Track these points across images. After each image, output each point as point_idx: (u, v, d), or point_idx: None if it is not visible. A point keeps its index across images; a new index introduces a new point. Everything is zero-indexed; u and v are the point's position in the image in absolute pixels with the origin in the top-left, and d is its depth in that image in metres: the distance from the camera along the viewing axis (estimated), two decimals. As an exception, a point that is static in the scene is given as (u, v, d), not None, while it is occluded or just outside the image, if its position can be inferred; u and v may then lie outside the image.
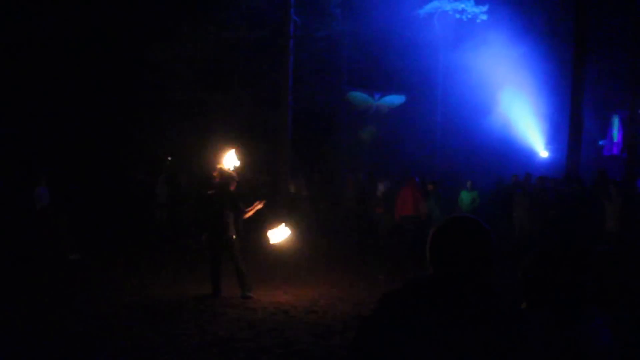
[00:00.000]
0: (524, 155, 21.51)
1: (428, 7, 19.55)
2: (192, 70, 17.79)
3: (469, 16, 19.42)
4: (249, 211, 8.32)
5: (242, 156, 8.61)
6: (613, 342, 2.13)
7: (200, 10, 17.23)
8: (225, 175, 8.25)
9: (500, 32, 19.39)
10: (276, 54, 17.06)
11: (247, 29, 16.95)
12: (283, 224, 8.56)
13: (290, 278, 9.55)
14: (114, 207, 15.47)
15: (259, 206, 8.35)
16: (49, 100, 17.32)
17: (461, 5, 19.34)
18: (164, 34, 17.01)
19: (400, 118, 22.30)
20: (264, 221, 10.97)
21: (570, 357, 2.05)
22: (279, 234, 8.49)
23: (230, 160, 8.39)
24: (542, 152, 22.18)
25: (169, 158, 19.26)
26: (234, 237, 8.19)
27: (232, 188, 8.24)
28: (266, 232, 8.63)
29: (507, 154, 20.95)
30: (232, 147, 8.51)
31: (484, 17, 19.36)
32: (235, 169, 8.41)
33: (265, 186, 15.16)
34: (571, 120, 15.84)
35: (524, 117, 21.51)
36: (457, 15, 19.54)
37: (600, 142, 21.14)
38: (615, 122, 20.97)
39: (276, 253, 10.19)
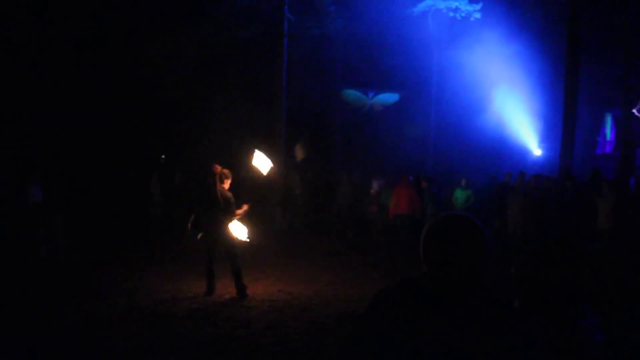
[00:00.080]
0: (518, 154, 21.60)
1: (422, 6, 19.57)
2: (186, 69, 17.76)
3: (463, 14, 19.46)
4: (238, 214, 8.30)
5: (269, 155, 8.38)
6: (606, 340, 2.14)
7: (194, 9, 17.18)
8: (219, 174, 8.23)
9: (494, 31, 19.44)
10: (270, 52, 17.05)
11: (241, 27, 16.91)
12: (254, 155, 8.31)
13: (285, 276, 9.55)
14: (108, 206, 15.42)
15: (245, 209, 8.34)
16: (44, 98, 17.24)
17: (455, 4, 19.37)
18: (158, 32, 16.95)
19: (394, 116, 22.34)
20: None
21: (564, 356, 2.06)
22: (264, 163, 8.29)
23: (261, 161, 8.25)
24: (536, 150, 22.27)
25: (163, 156, 19.22)
26: (229, 235, 8.17)
27: (226, 187, 8.22)
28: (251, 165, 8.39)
29: (501, 152, 21.04)
30: (256, 148, 8.34)
31: (478, 15, 19.40)
32: (269, 169, 8.29)
33: (257, 183, 15.12)
34: (564, 118, 15.91)
35: (517, 116, 21.58)
36: (451, 14, 19.57)
37: (599, 139, 21.22)
38: (608, 120, 21.09)
39: (272, 251, 10.19)
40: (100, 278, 9.28)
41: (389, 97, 22.73)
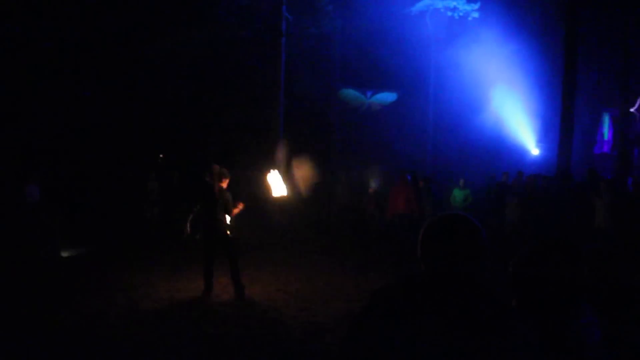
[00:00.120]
0: (516, 153, 21.63)
1: (420, 5, 19.59)
2: (185, 68, 17.74)
3: (461, 14, 19.48)
4: (233, 212, 8.31)
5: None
6: (603, 339, 2.15)
7: (193, 9, 17.16)
8: (217, 173, 8.22)
9: (492, 30, 19.47)
10: (268, 52, 17.04)
11: (239, 26, 16.90)
12: (268, 176, 8.45)
13: (283, 275, 9.55)
14: (106, 205, 15.41)
15: (240, 208, 8.35)
16: (42, 97, 17.22)
17: (453, 3, 19.39)
18: (157, 32, 16.94)
19: (392, 116, 22.34)
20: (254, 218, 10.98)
21: (561, 355, 2.07)
22: (277, 184, 8.42)
23: (275, 183, 8.36)
24: (534, 149, 22.29)
25: (161, 156, 19.20)
26: (229, 234, 8.18)
27: (224, 185, 8.22)
28: (267, 185, 8.52)
29: (499, 151, 21.06)
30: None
31: (476, 14, 19.42)
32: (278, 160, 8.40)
33: (256, 183, 15.12)
34: (562, 118, 15.92)
35: (515, 115, 21.60)
36: (449, 13, 19.60)
37: (596, 139, 21.24)
38: (606, 120, 21.11)
39: (269, 250, 10.19)
40: (98, 278, 9.27)
41: (387, 97, 22.73)
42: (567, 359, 2.06)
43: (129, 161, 17.80)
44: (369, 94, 22.79)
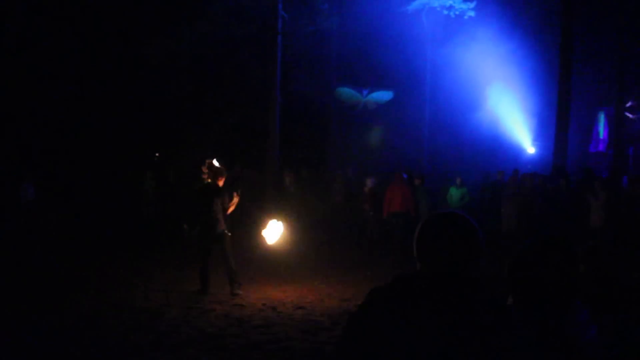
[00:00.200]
0: (512, 152, 21.67)
1: (416, 4, 19.57)
2: (181, 67, 17.70)
3: (457, 12, 19.48)
4: (230, 207, 8.31)
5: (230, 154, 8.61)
6: (598, 337, 2.15)
7: (188, 7, 17.12)
8: (214, 171, 8.22)
9: (488, 29, 19.48)
10: (264, 50, 17.01)
11: (235, 25, 16.86)
12: (272, 220, 8.56)
13: (279, 274, 9.55)
14: (102, 204, 15.38)
15: (236, 199, 8.36)
16: (37, 96, 17.17)
17: (449, 2, 19.38)
18: (152, 31, 16.89)
19: (388, 114, 22.33)
20: (252, 217, 10.96)
21: (556, 352, 2.07)
22: (274, 232, 8.51)
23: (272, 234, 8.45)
24: (530, 148, 22.33)
25: (157, 154, 19.17)
26: (226, 232, 8.18)
27: (220, 183, 8.22)
28: (260, 234, 8.66)
29: (495, 150, 21.08)
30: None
31: (472, 13, 19.42)
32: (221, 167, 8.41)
33: (252, 181, 15.12)
34: (558, 116, 15.96)
35: (511, 114, 21.64)
36: (445, 12, 19.59)
37: (592, 137, 21.31)
38: (601, 118, 21.17)
39: (267, 250, 10.17)
40: (94, 276, 9.24)
41: (383, 95, 22.72)
42: (563, 357, 2.07)
43: (125, 160, 17.76)
44: (365, 92, 22.78)
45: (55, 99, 17.37)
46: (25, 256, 10.53)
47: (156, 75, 17.43)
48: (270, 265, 10.19)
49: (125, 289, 8.41)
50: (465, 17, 19.57)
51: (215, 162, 8.29)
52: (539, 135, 21.99)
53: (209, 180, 8.23)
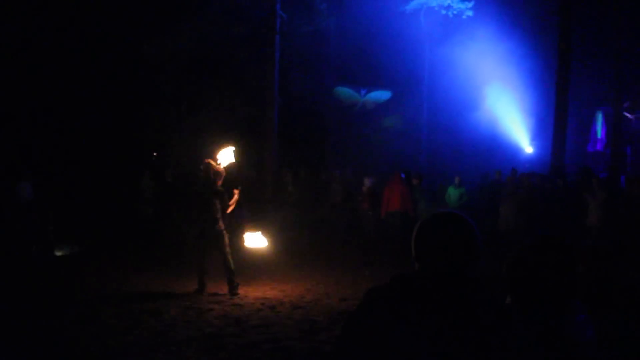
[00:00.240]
0: (510, 151, 21.69)
1: (414, 3, 19.60)
2: (178, 67, 17.67)
3: (455, 12, 19.50)
4: (230, 205, 8.29)
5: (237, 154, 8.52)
6: (596, 336, 2.15)
7: (186, 6, 17.09)
8: (212, 170, 8.21)
9: (486, 29, 19.51)
10: (262, 50, 16.99)
11: (232, 24, 16.85)
12: (260, 233, 8.56)
13: (277, 274, 9.55)
14: (99, 203, 15.34)
15: (236, 196, 8.34)
16: (34, 95, 17.13)
17: (447, 2, 19.41)
18: (149, 30, 16.87)
19: (386, 114, 22.35)
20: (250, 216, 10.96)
21: (555, 352, 2.07)
22: (255, 241, 8.52)
23: (226, 156, 8.32)
24: (528, 147, 22.36)
25: (155, 153, 19.15)
26: (224, 232, 8.17)
27: (218, 183, 8.21)
28: (244, 234, 8.66)
29: (493, 149, 21.10)
30: (229, 145, 8.42)
31: (470, 13, 19.45)
32: (228, 165, 8.37)
33: (250, 181, 15.10)
34: (556, 116, 15.98)
35: (509, 113, 21.66)
36: (443, 11, 19.61)
37: (590, 137, 21.33)
38: (599, 118, 21.19)
39: (263, 248, 10.16)
40: (92, 276, 9.23)
41: (382, 95, 22.74)
42: (561, 357, 2.07)
43: (123, 159, 17.73)
44: (363, 92, 22.80)
45: (53, 98, 17.33)
46: (23, 256, 10.51)
47: (154, 75, 17.40)
48: (268, 265, 10.19)
49: (123, 288, 8.39)
50: (464, 16, 19.60)
51: (228, 157, 8.26)
52: (537, 135, 22.02)
53: (207, 181, 8.22)
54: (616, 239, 10.03)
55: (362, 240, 13.27)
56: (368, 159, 20.08)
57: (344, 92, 22.67)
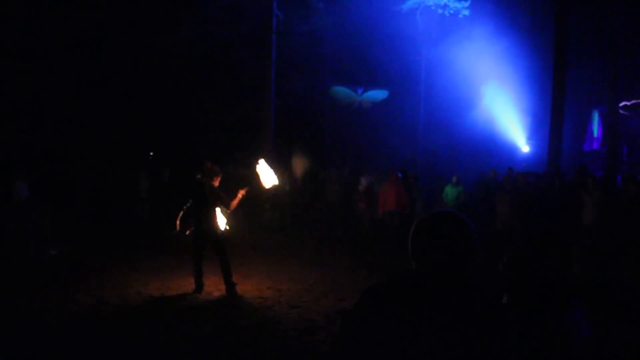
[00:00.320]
0: (507, 150, 21.73)
1: (411, 3, 19.61)
2: (175, 66, 17.65)
3: (452, 11, 19.52)
4: (233, 203, 8.27)
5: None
6: (593, 335, 2.15)
7: (182, 6, 17.07)
8: (209, 171, 8.20)
9: (483, 28, 19.53)
10: (259, 49, 16.99)
11: (229, 24, 16.83)
12: (257, 167, 8.38)
13: (274, 273, 9.54)
14: (96, 203, 15.32)
15: (242, 194, 8.30)
16: (30, 95, 17.09)
17: (444, 1, 19.42)
18: (146, 30, 16.83)
19: (383, 113, 22.37)
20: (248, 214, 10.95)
21: (551, 350, 2.07)
22: (266, 174, 8.32)
23: (268, 178, 8.27)
24: (524, 147, 22.40)
25: (151, 153, 19.12)
26: (220, 232, 8.16)
27: (215, 183, 8.20)
28: (260, 182, 8.44)
29: (490, 148, 21.13)
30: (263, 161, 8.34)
31: (466, 12, 19.47)
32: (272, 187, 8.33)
33: (246, 180, 15.08)
34: (552, 115, 16.00)
35: (506, 112, 21.70)
36: (440, 11, 19.63)
37: (586, 136, 21.38)
38: (595, 117, 21.24)
39: (261, 248, 10.18)
40: (89, 276, 9.21)
41: (378, 94, 22.77)
42: (558, 355, 2.07)
43: (119, 159, 17.71)
44: (360, 91, 22.82)
45: (50, 98, 17.30)
46: (20, 255, 10.48)
47: (151, 74, 17.38)
48: (265, 263, 10.19)
49: (120, 288, 8.38)
50: (460, 15, 19.61)
51: (270, 178, 8.24)
52: (534, 134, 22.07)
53: (204, 181, 8.21)
54: (612, 238, 10.05)
55: (359, 239, 13.28)
56: (365, 158, 20.09)
57: (341, 91, 22.68)
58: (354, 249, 12.15)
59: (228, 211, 8.32)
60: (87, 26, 17.11)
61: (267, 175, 8.25)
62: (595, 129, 21.31)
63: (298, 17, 17.30)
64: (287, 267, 10.06)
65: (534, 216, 12.19)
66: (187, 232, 8.29)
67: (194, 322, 6.76)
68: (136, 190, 15.40)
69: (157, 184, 15.58)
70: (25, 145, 16.44)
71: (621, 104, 18.99)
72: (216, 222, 8.15)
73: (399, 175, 13.32)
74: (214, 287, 8.27)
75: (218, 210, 8.24)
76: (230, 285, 8.10)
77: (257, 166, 8.29)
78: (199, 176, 8.33)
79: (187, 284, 8.36)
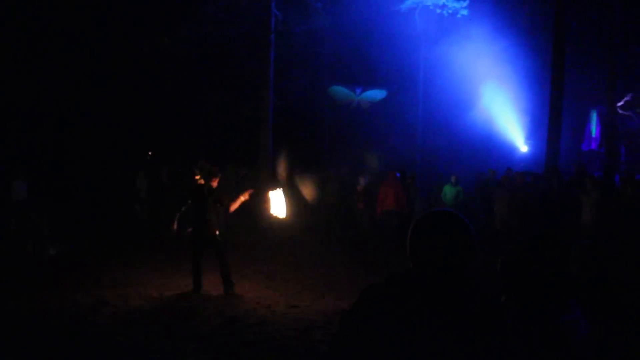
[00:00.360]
0: (505, 150, 21.73)
1: (409, 2, 19.57)
2: (173, 66, 17.64)
3: (450, 11, 19.49)
4: (234, 204, 8.28)
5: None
6: (590, 334, 2.16)
7: (180, 6, 17.05)
8: (207, 171, 8.20)
9: (482, 27, 19.52)
10: (257, 49, 16.97)
11: (227, 24, 16.80)
12: (270, 193, 8.39)
13: (272, 273, 9.55)
14: (94, 202, 15.32)
15: (245, 198, 8.28)
16: (29, 95, 17.07)
17: (442, 1, 19.40)
18: (144, 30, 16.82)
19: (381, 113, 22.36)
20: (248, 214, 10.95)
21: (550, 350, 2.08)
22: (278, 204, 8.33)
23: (277, 208, 8.27)
24: (523, 146, 22.41)
25: (150, 153, 19.11)
26: (217, 232, 8.16)
27: (214, 184, 8.20)
28: (268, 212, 8.44)
29: (488, 148, 21.14)
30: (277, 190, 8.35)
31: (465, 12, 19.44)
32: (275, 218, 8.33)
33: (245, 180, 15.09)
34: (550, 115, 16.00)
35: (504, 112, 21.70)
36: (438, 10, 19.60)
37: (584, 136, 21.39)
38: (594, 117, 21.25)
39: (259, 248, 10.19)
40: (87, 275, 9.21)
41: (377, 94, 22.76)
42: (555, 354, 2.08)
43: (118, 159, 17.70)
44: (358, 91, 22.80)
45: (49, 98, 17.28)
46: (19, 254, 10.48)
47: (149, 75, 17.37)
48: (264, 263, 10.20)
49: (120, 288, 8.38)
50: (459, 15, 19.58)
51: (279, 209, 8.23)
52: (532, 134, 22.06)
53: (202, 181, 8.21)
54: (610, 238, 10.07)
55: (357, 239, 13.28)
56: (363, 158, 20.08)
57: (339, 91, 22.67)
58: (352, 249, 12.16)
59: (229, 211, 8.32)
60: (87, 26, 17.09)
61: (278, 206, 8.27)
62: (594, 128, 21.31)
63: (296, 17, 17.28)
64: (285, 267, 10.07)
65: (532, 216, 12.20)
66: (185, 233, 8.30)
67: (193, 322, 6.77)
68: (134, 190, 15.39)
69: (155, 184, 15.57)
70: (25, 145, 16.44)
71: (619, 103, 19.01)
72: (215, 223, 8.15)
73: (397, 175, 13.32)
74: (212, 286, 8.27)
75: (217, 210, 8.25)
76: (228, 285, 8.10)
77: (272, 192, 8.30)
78: (197, 177, 8.33)
79: (186, 284, 8.36)
